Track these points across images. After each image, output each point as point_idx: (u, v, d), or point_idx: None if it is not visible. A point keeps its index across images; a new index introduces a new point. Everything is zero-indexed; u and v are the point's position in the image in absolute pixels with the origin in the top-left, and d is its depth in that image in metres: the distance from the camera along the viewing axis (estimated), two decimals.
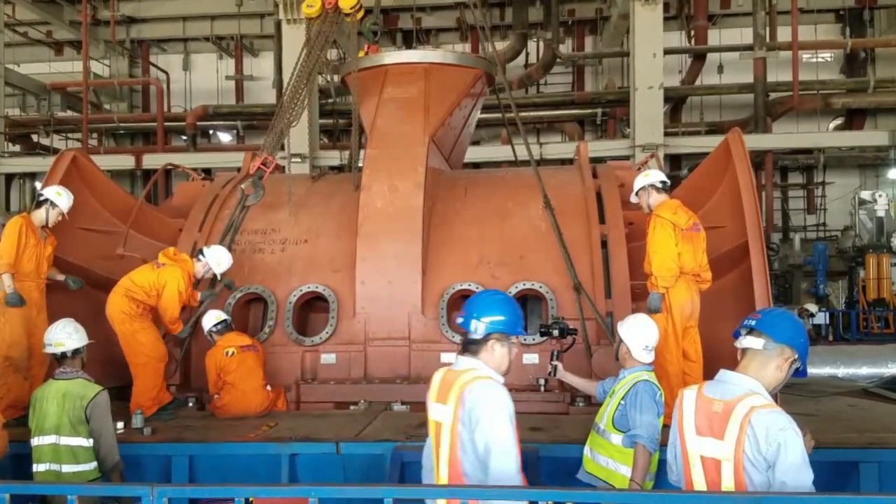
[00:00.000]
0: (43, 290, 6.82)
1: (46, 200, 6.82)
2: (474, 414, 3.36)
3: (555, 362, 5.68)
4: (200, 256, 7.10)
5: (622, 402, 4.74)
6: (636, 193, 6.59)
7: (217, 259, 7.12)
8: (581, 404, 6.67)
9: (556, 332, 6.15)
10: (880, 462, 5.24)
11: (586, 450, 4.95)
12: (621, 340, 4.97)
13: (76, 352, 5.09)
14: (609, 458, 4.73)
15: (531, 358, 7.14)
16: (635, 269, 7.45)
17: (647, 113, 17.44)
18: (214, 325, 6.97)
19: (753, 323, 3.29)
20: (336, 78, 10.38)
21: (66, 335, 5.09)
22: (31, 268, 6.67)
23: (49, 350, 5.15)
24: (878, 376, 10.78)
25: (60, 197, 6.83)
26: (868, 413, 6.67)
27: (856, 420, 6.31)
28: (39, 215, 6.81)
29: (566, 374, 5.65)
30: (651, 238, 6.21)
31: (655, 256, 6.15)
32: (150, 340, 6.71)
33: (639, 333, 4.93)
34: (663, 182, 6.50)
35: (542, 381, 6.93)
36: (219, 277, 7.28)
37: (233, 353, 6.75)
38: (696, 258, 6.23)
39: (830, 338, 17.40)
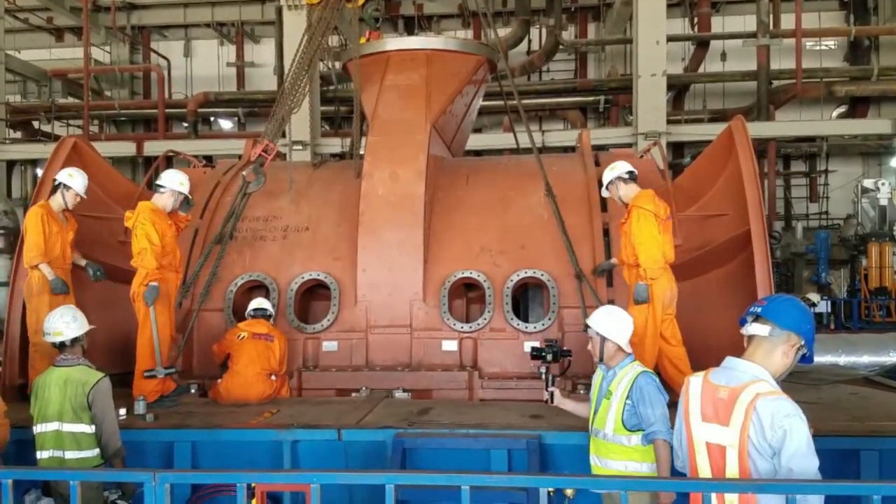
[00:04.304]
0: (69, 276, 6.86)
1: (60, 185, 6.84)
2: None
3: (551, 388, 5.16)
4: (160, 189, 6.81)
5: (628, 401, 4.48)
6: (606, 188, 6.58)
7: (178, 180, 6.83)
8: (582, 391, 6.67)
9: (549, 357, 5.75)
10: (881, 450, 5.25)
11: (593, 460, 4.63)
12: (605, 339, 4.63)
13: (75, 340, 5.08)
14: (628, 461, 4.49)
15: (533, 345, 7.15)
16: None
17: (650, 100, 17.35)
18: (252, 310, 7.06)
19: (759, 310, 3.29)
20: (337, 64, 10.35)
21: (63, 324, 5.08)
22: (57, 254, 6.74)
23: (48, 339, 5.14)
24: (879, 364, 10.78)
25: (73, 178, 6.84)
26: (869, 401, 6.67)
27: (857, 408, 6.31)
28: (57, 200, 6.85)
29: (565, 400, 5.14)
30: (636, 229, 6.17)
31: (642, 248, 6.13)
32: (159, 322, 6.57)
33: (622, 326, 4.67)
34: (630, 172, 6.48)
35: (542, 370, 6.93)
36: (189, 197, 6.97)
37: (243, 337, 6.80)
38: (671, 247, 6.28)
39: (832, 326, 17.39)
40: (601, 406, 4.61)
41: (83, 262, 7.02)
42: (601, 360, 4.70)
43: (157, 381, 6.56)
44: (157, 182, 6.92)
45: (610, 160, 8.53)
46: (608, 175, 6.55)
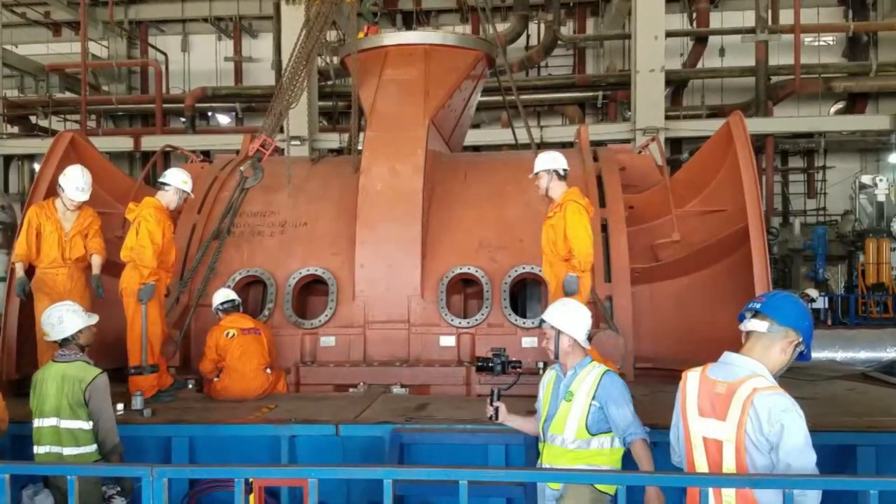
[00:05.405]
0: (75, 275, 6.80)
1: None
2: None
3: (497, 403, 4.55)
4: (165, 187, 6.81)
5: (594, 402, 4.20)
6: (537, 173, 6.39)
7: (181, 178, 6.85)
8: None
9: (497, 368, 5.17)
10: (877, 445, 5.26)
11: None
12: (560, 333, 4.35)
13: (65, 340, 5.06)
14: (598, 467, 4.25)
15: (530, 341, 7.15)
16: (635, 252, 7.46)
17: (649, 96, 17.37)
18: (221, 304, 6.94)
19: (758, 306, 3.30)
20: (335, 59, 10.32)
21: (49, 326, 5.04)
22: (54, 254, 6.69)
23: (45, 337, 5.17)
24: (876, 360, 10.80)
25: (64, 178, 6.71)
26: (866, 397, 6.68)
27: (854, 404, 6.32)
28: (60, 201, 6.80)
29: (512, 417, 4.63)
30: (572, 222, 6.09)
31: (577, 241, 6.06)
32: (149, 318, 6.59)
33: (578, 320, 4.38)
34: (566, 170, 6.39)
35: (540, 365, 6.93)
36: (191, 194, 7.06)
37: (233, 334, 6.74)
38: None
39: (829, 322, 17.41)
40: (559, 410, 4.29)
41: (96, 272, 6.85)
42: (556, 356, 4.41)
43: (154, 376, 6.56)
44: (161, 180, 6.89)
45: (609, 156, 8.57)
46: (548, 163, 6.35)
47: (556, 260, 6.28)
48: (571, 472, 4.10)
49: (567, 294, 5.94)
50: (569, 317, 4.39)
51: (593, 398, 4.21)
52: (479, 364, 5.17)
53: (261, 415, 5.99)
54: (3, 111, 21.83)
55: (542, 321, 4.51)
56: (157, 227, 6.48)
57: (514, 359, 5.10)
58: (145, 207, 6.57)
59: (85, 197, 6.77)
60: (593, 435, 4.22)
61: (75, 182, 6.70)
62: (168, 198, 6.79)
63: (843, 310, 18.12)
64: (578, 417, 4.21)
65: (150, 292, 6.42)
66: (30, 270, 6.84)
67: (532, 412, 4.68)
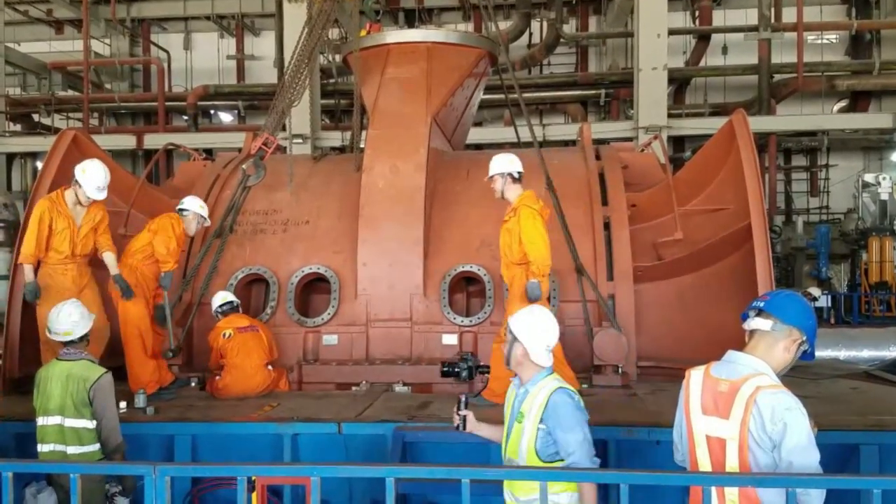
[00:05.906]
0: (84, 270, 6.75)
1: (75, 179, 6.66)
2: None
3: (464, 412, 4.12)
4: (184, 213, 7.10)
5: (541, 425, 3.73)
6: (492, 176, 6.37)
7: (198, 204, 7.22)
8: (585, 386, 6.66)
9: (464, 374, 4.81)
10: (881, 444, 5.25)
11: (507, 496, 3.90)
12: (515, 340, 3.89)
13: (82, 336, 5.06)
14: (555, 497, 3.71)
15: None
16: (638, 251, 7.45)
17: (651, 94, 17.36)
18: (220, 306, 7.00)
19: (762, 304, 3.30)
20: (338, 57, 10.33)
21: (71, 324, 4.99)
22: (65, 252, 6.56)
23: (56, 338, 5.05)
24: (879, 359, 10.80)
25: (84, 174, 6.51)
26: (869, 395, 6.67)
27: (857, 402, 6.31)
28: (71, 194, 6.64)
29: (480, 425, 4.18)
30: (527, 227, 6.06)
31: (533, 246, 6.03)
32: (136, 313, 6.71)
33: (541, 330, 3.89)
34: (520, 172, 6.37)
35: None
36: (207, 220, 7.36)
37: (229, 334, 6.78)
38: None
39: (832, 320, 17.40)
40: (513, 431, 3.87)
41: (113, 273, 6.74)
42: (507, 363, 3.97)
43: (155, 372, 6.65)
44: (180, 206, 7.15)
45: (611, 154, 8.56)
46: (504, 166, 6.31)
47: (512, 263, 6.26)
48: (572, 471, 4.10)
49: (531, 300, 5.90)
50: (529, 326, 3.91)
51: (541, 420, 3.74)
52: (445, 369, 4.81)
53: (263, 413, 6.00)
54: (6, 109, 21.85)
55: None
56: (178, 225, 6.92)
57: (482, 363, 4.80)
58: (175, 218, 7.01)
59: (103, 196, 6.67)
60: (545, 462, 3.76)
61: (96, 181, 6.54)
62: (187, 223, 7.06)
63: (846, 308, 18.11)
64: (528, 441, 3.77)
65: (170, 279, 6.85)
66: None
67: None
